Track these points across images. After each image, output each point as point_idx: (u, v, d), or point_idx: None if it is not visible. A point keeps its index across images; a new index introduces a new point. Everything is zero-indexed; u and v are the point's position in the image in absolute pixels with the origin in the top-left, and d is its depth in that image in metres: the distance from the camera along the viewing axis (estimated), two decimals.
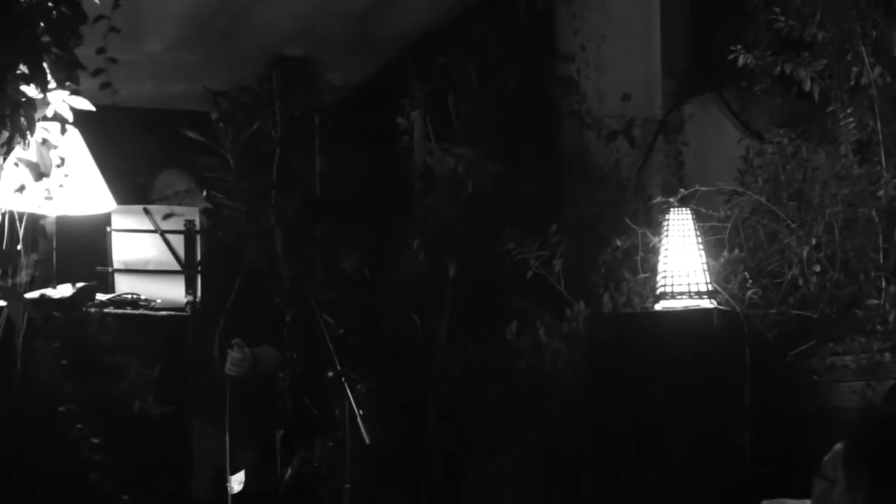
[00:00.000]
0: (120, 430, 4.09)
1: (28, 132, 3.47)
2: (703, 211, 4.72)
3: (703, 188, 4.80)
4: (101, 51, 3.40)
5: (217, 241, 5.20)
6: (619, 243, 5.00)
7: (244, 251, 5.54)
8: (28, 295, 4.15)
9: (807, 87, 4.71)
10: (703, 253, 4.50)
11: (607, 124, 5.92)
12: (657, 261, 4.59)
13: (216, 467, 4.98)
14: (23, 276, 4.23)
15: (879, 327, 4.28)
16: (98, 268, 4.55)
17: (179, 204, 5.20)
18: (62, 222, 4.34)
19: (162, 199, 5.35)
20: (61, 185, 3.72)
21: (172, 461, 4.36)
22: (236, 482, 4.95)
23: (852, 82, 4.63)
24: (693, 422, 4.29)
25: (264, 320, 5.35)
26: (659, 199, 4.92)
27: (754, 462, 4.29)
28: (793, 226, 4.67)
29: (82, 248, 4.56)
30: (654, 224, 4.85)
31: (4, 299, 4.05)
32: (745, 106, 5.40)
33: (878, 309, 4.34)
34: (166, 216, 4.55)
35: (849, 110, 4.59)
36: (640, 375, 4.39)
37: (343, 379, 4.66)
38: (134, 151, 6.11)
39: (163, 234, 4.60)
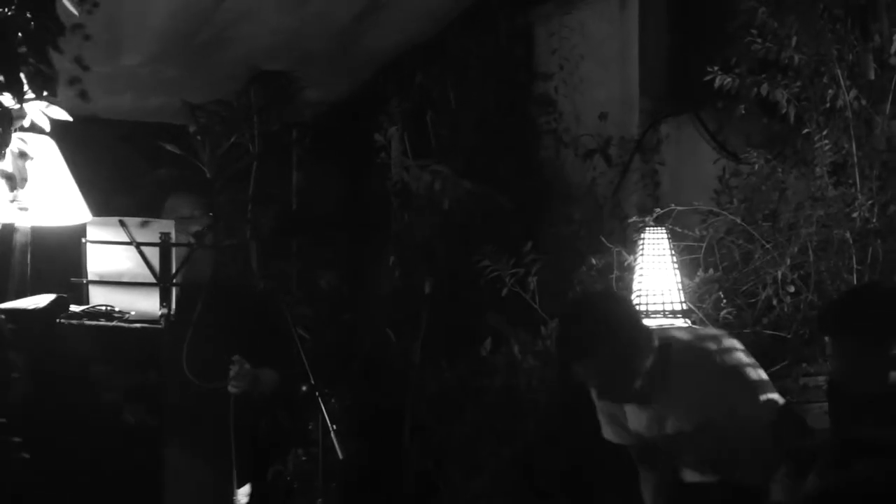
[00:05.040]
0: (91, 443, 4.04)
1: (3, 143, 3.45)
2: (679, 230, 4.74)
3: (679, 208, 4.81)
4: (78, 60, 3.37)
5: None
6: (594, 262, 5.01)
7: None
8: (0, 305, 4.12)
9: (783, 108, 4.74)
10: (677, 272, 4.51)
11: (584, 143, 5.94)
12: (632, 280, 4.60)
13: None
14: None
15: None
16: (72, 279, 4.52)
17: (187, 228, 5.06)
18: (37, 233, 4.32)
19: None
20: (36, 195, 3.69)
21: (143, 476, 4.30)
22: (243, 495, 4.91)
23: (828, 104, 4.67)
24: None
25: (268, 342, 5.16)
26: (635, 217, 4.94)
27: None
28: (767, 246, 4.69)
29: (57, 260, 4.53)
30: (630, 243, 4.87)
31: None
32: (722, 126, 5.43)
33: None
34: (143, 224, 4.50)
35: (824, 132, 4.62)
36: None
37: (317, 393, 4.64)
38: (111, 163, 6.10)
39: (138, 245, 4.58)
